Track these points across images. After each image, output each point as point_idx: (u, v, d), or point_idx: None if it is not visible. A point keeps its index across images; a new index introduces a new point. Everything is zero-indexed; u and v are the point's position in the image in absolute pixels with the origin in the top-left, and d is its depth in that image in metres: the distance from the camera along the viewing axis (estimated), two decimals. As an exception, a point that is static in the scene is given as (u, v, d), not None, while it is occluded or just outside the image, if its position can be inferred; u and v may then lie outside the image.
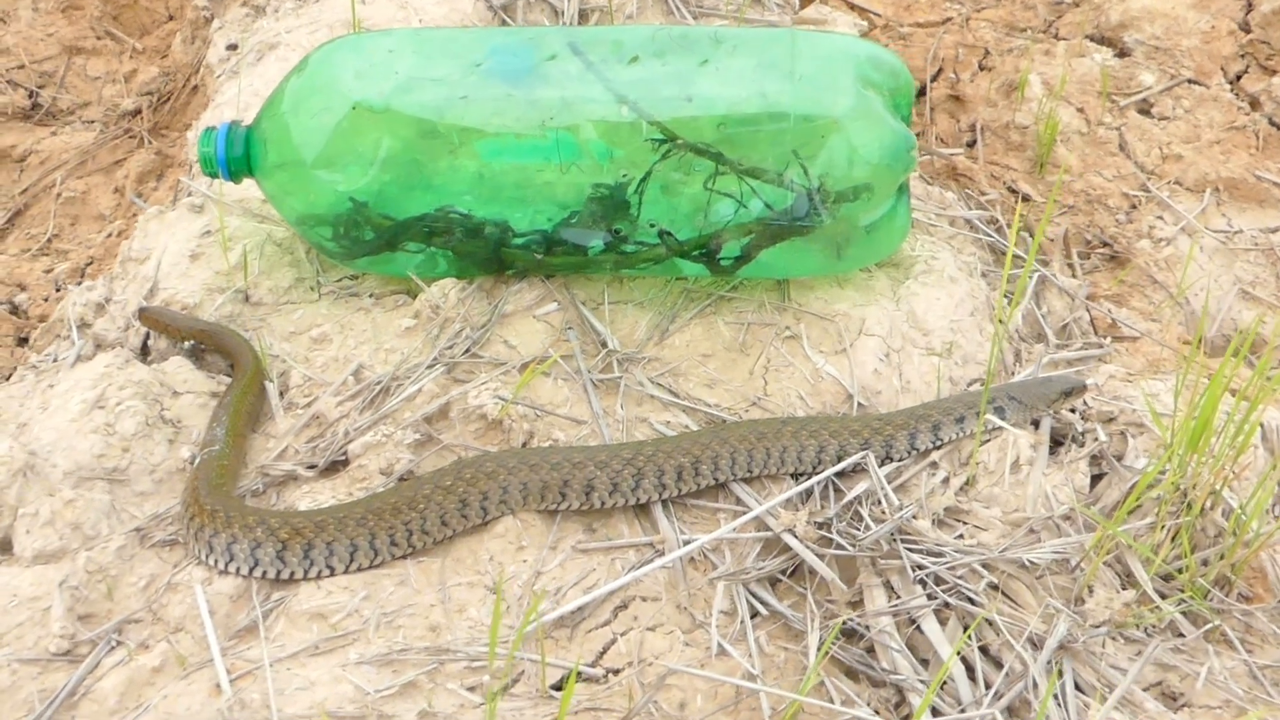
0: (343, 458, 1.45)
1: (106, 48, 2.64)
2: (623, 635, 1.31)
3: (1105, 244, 2.29)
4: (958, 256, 1.74)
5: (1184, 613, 1.37)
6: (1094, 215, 2.37)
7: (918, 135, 2.52)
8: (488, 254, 1.61)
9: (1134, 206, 2.38)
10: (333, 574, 1.33)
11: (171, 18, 2.64)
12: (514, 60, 1.59)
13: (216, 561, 1.32)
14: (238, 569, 1.32)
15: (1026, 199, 2.40)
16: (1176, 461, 1.39)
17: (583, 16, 2.12)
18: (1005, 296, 1.77)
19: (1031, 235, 2.10)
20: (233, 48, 2.18)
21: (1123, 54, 2.63)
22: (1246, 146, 2.46)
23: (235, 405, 1.47)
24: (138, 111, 2.47)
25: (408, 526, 1.34)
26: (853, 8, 2.78)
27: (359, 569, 1.34)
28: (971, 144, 2.49)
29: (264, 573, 1.32)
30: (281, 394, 1.53)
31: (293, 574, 1.32)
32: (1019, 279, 1.82)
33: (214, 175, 1.62)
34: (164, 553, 1.37)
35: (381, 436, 1.44)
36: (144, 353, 1.61)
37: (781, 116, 1.54)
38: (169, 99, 2.46)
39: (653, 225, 1.58)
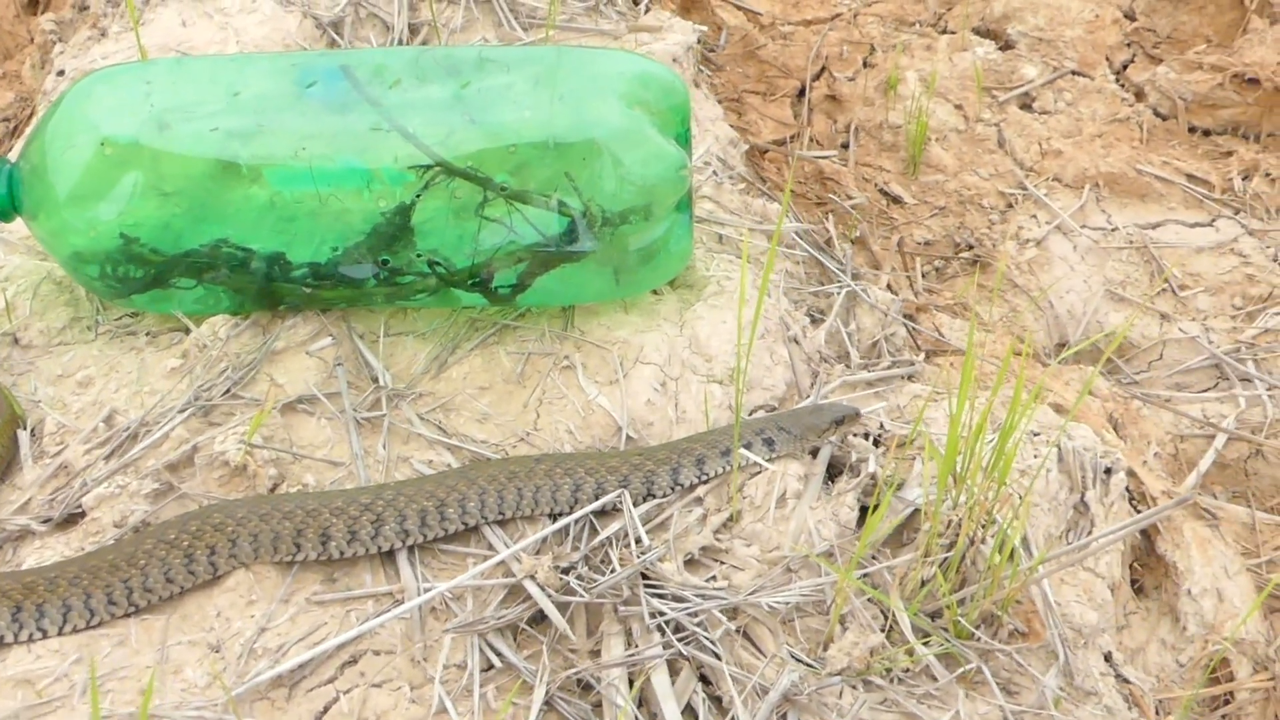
0: (80, 510, 1.40)
1: (-31, 73, 2.60)
2: (346, 693, 1.26)
3: (970, 247, 2.22)
4: (758, 274, 1.67)
5: (946, 654, 1.30)
6: (965, 216, 2.29)
7: (792, 138, 2.46)
8: (258, 288, 1.56)
9: (1010, 205, 2.30)
10: (45, 636, 1.28)
11: (33, 40, 2.60)
12: (272, 89, 1.53)
13: (-76, 627, 1.28)
14: (-57, 635, 1.27)
15: (898, 201, 2.33)
16: (964, 490, 1.32)
17: (413, 31, 2.06)
18: (809, 315, 1.70)
19: (861, 245, 2.03)
20: (61, 74, 2.13)
21: (1006, 46, 2.55)
22: (1129, 139, 2.38)
23: (-20, 456, 1.43)
24: (-7, 138, 2.43)
25: (128, 585, 1.29)
26: (737, 8, 2.71)
27: (74, 630, 1.28)
28: (846, 145, 2.42)
29: (-30, 639, 1.27)
30: (34, 442, 1.48)
31: (1, 638, 1.27)
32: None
33: (-20, 214, 1.58)
34: (-116, 616, 1.33)
35: (116, 487, 1.38)
36: (-95, 402, 1.56)
37: (542, 139, 1.47)
38: (19, 126, 2.42)
39: (420, 255, 1.52)
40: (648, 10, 2.16)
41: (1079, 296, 2.14)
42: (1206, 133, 2.41)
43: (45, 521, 1.39)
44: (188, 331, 1.58)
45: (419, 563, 1.37)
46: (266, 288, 1.56)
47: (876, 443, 1.51)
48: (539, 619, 1.32)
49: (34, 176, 1.53)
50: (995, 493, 1.31)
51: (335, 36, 2.05)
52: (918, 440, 1.50)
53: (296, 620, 1.31)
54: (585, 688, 1.27)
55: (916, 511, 1.40)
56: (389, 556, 1.38)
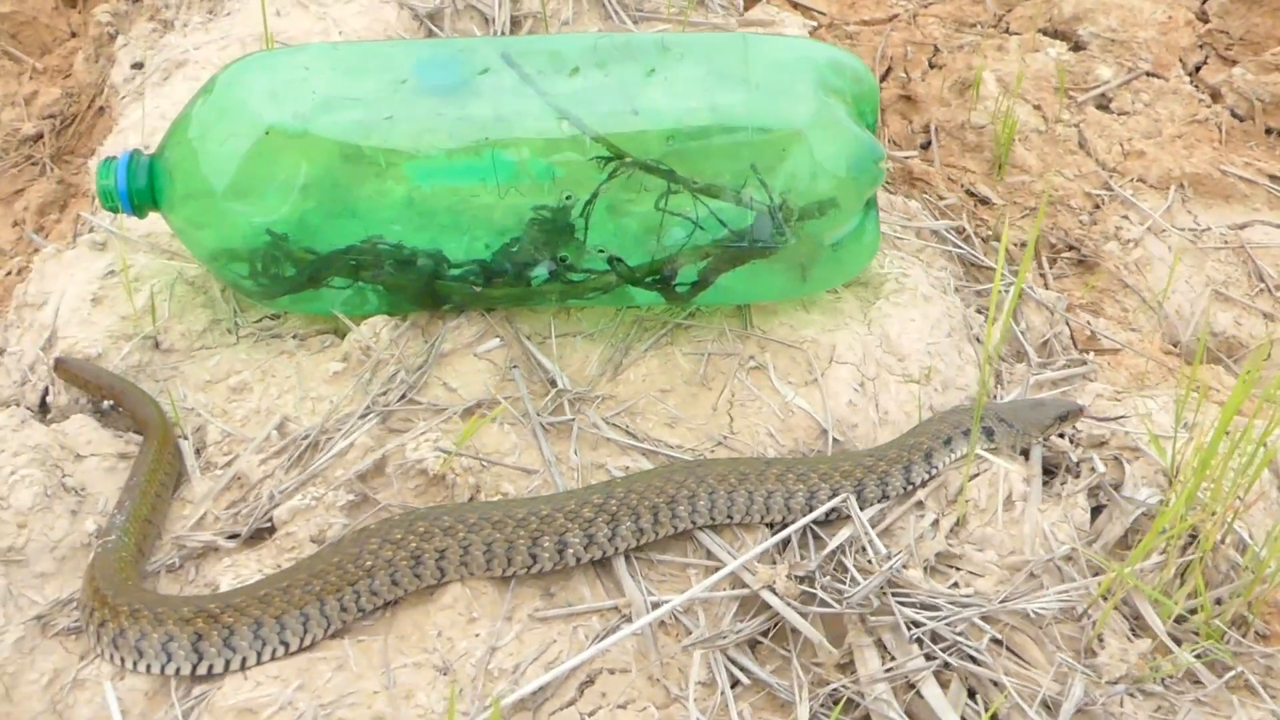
0: (268, 524, 1.30)
1: (4, 68, 2.46)
2: (590, 715, 1.17)
3: (1071, 247, 2.18)
4: (929, 272, 1.61)
5: (1199, 659, 1.25)
6: (1057, 217, 2.26)
7: (869, 138, 2.41)
8: (421, 287, 1.47)
9: (1097, 206, 2.27)
10: (260, 662, 1.18)
11: (74, 34, 2.46)
12: (443, 75, 1.45)
13: (124, 660, 1.17)
14: (148, 667, 1.16)
15: (986, 202, 2.29)
16: (1184, 492, 1.27)
17: (514, 24, 1.98)
18: (980, 312, 1.65)
19: (997, 243, 1.98)
20: (138, 66, 2.02)
21: (1077, 48, 2.52)
22: (1209, 140, 2.37)
23: (146, 479, 1.31)
24: (39, 136, 2.30)
25: (356, 589, 1.20)
26: (796, 6, 2.66)
27: (289, 653, 1.19)
28: (926, 145, 2.38)
29: (178, 669, 1.16)
30: (198, 452, 1.38)
31: (211, 668, 1.17)
32: (997, 294, 1.71)
33: (115, 209, 1.47)
34: (68, 642, 1.22)
35: (311, 499, 1.29)
36: (43, 410, 1.45)
37: (737, 128, 1.40)
38: (72, 122, 2.29)
39: (600, 251, 1.44)
40: (747, 5, 2.10)
41: (1184, 297, 2.11)
42: (1284, 134, 2.41)
43: (232, 537, 1.29)
44: (338, 333, 1.49)
45: (639, 574, 1.29)
46: (429, 287, 1.47)
47: (1074, 442, 1.46)
48: (774, 632, 1.25)
49: (181, 169, 1.43)
50: (1245, 493, 1.27)
51: (434, 29, 1.96)
52: (1115, 440, 1.45)
53: (523, 638, 1.22)
54: (842, 704, 1.20)
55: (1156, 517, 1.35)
56: (604, 568, 1.30)
